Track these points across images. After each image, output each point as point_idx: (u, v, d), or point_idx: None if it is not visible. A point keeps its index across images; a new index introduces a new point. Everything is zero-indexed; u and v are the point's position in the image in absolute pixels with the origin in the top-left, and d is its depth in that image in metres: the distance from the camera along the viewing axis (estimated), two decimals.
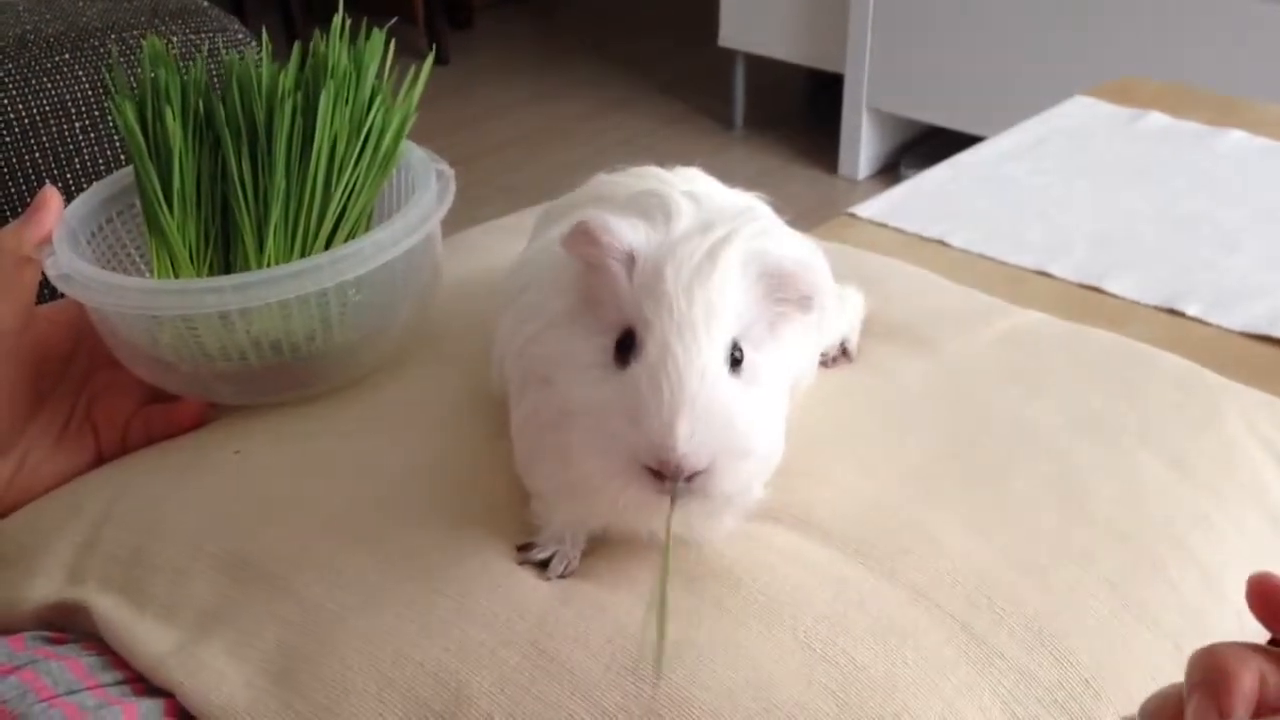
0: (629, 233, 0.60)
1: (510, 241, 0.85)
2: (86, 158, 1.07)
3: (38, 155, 1.04)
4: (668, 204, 0.63)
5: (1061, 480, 0.77)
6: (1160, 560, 0.72)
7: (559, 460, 0.62)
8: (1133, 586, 0.70)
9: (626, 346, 0.59)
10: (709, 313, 0.58)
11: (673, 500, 0.56)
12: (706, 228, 0.61)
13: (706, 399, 0.56)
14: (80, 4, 1.13)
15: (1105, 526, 0.73)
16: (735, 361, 0.59)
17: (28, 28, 1.06)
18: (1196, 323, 1.13)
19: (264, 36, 0.88)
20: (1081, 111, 1.64)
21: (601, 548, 0.69)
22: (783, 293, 0.62)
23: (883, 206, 1.39)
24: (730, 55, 3.50)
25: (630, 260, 0.59)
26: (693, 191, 0.68)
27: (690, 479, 0.55)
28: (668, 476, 0.55)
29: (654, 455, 0.55)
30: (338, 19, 0.84)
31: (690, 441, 0.55)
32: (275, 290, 0.74)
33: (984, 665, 0.63)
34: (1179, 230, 1.31)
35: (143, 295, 0.75)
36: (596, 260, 0.60)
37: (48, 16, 1.09)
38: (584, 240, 0.60)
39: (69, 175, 1.06)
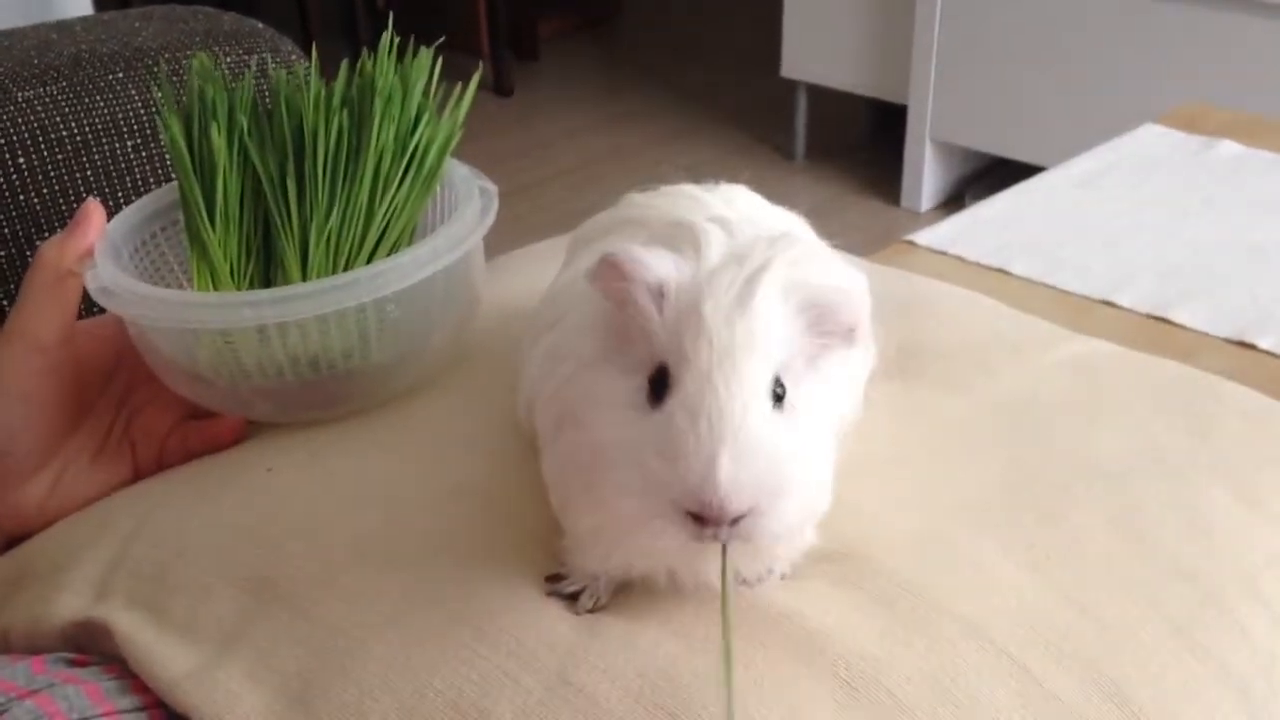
0: (658, 264, 0.56)
1: (553, 266, 0.83)
2: (138, 176, 1.08)
3: (89, 173, 1.05)
4: (696, 234, 0.59)
5: (1124, 515, 0.73)
6: (1228, 602, 0.68)
7: (591, 503, 0.58)
8: (1199, 629, 0.66)
9: (660, 384, 0.54)
10: (750, 343, 0.53)
11: (724, 550, 0.53)
12: (742, 257, 0.57)
13: (748, 435, 0.52)
14: (136, 25, 1.14)
15: (1170, 565, 0.70)
16: (777, 398, 0.55)
17: (83, 47, 1.07)
18: (1269, 355, 1.09)
19: (313, 53, 0.87)
20: (1150, 140, 1.60)
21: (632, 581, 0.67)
22: (825, 325, 0.57)
23: (942, 234, 1.35)
24: (792, 85, 3.49)
25: (660, 293, 0.55)
26: (723, 217, 0.63)
27: (734, 523, 0.52)
28: (710, 522, 0.51)
29: (694, 498, 0.51)
30: (386, 36, 0.84)
31: (733, 481, 0.51)
32: (313, 304, 0.72)
33: (1040, 709, 0.60)
34: (1250, 260, 1.26)
35: (180, 308, 0.74)
36: (624, 295, 0.56)
37: (103, 37, 1.10)
38: (611, 274, 0.56)
39: (120, 193, 1.07)
